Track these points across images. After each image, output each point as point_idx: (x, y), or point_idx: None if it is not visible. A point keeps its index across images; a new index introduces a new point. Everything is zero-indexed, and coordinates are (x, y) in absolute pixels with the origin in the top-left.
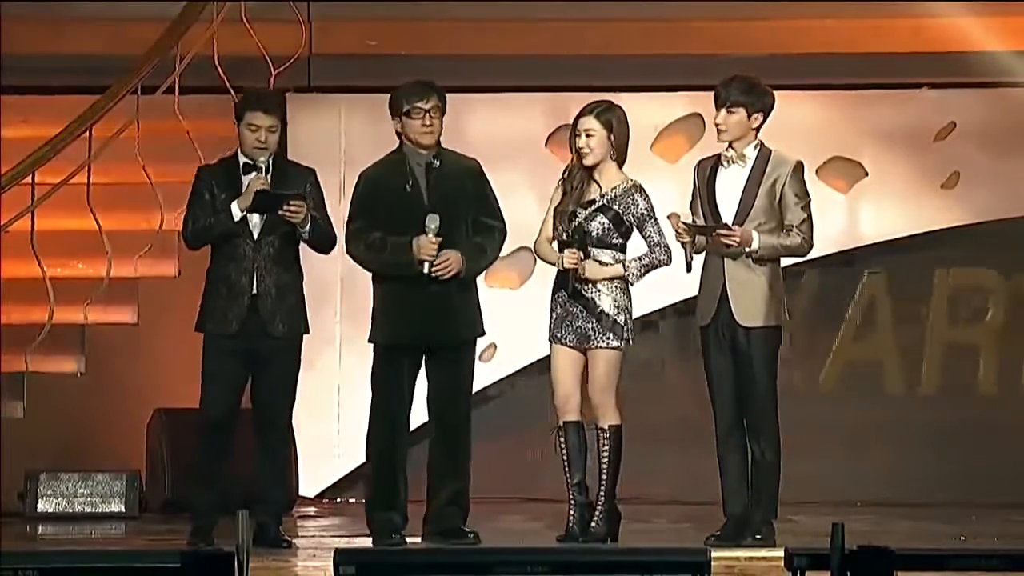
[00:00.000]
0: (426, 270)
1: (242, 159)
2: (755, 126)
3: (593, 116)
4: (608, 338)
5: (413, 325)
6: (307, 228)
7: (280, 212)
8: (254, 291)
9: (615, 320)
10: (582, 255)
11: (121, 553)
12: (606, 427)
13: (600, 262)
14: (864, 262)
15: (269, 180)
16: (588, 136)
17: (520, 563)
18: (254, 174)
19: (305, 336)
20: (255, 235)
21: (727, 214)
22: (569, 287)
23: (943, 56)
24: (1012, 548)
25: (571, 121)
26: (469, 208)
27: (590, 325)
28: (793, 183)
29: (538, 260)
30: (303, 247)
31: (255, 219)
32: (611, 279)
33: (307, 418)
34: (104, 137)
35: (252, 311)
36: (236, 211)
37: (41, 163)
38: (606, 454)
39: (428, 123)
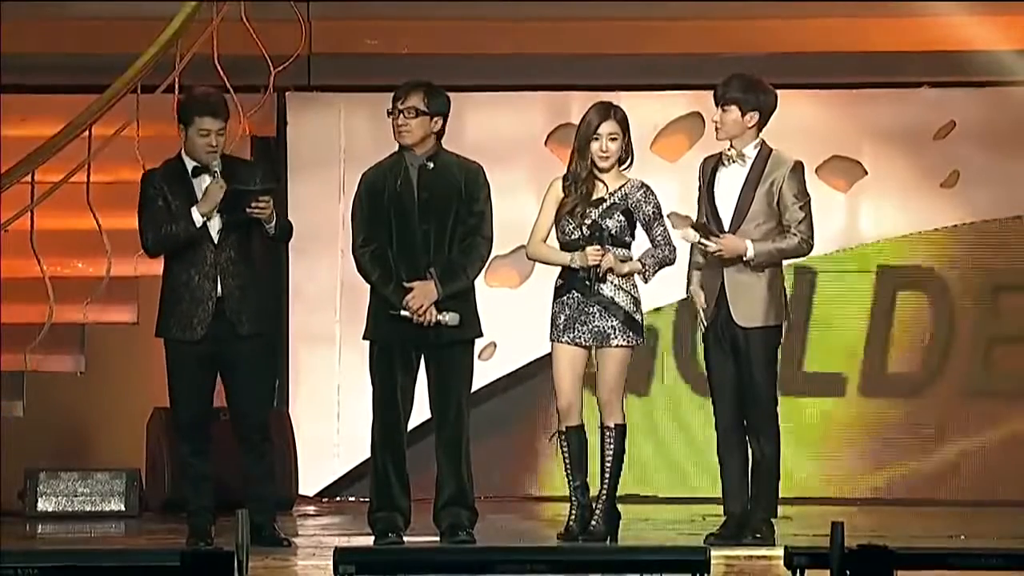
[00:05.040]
0: (403, 313)
1: (190, 163)
2: (751, 125)
3: (615, 121)
4: (629, 336)
5: (403, 324)
6: (273, 223)
7: (248, 209)
8: (219, 294)
9: (634, 317)
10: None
11: (121, 552)
12: (612, 426)
13: (620, 259)
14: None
15: (222, 182)
16: (612, 140)
17: (520, 562)
18: (210, 178)
19: (305, 336)
20: (215, 238)
21: (726, 214)
22: (591, 285)
23: (943, 55)
24: (1012, 547)
25: (571, 120)
26: (459, 213)
27: (609, 323)
28: (791, 183)
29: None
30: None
31: (214, 221)
32: (628, 276)
33: (307, 418)
34: (103, 136)
35: (218, 314)
36: (198, 217)
37: (41, 162)
38: (610, 453)
39: (402, 123)
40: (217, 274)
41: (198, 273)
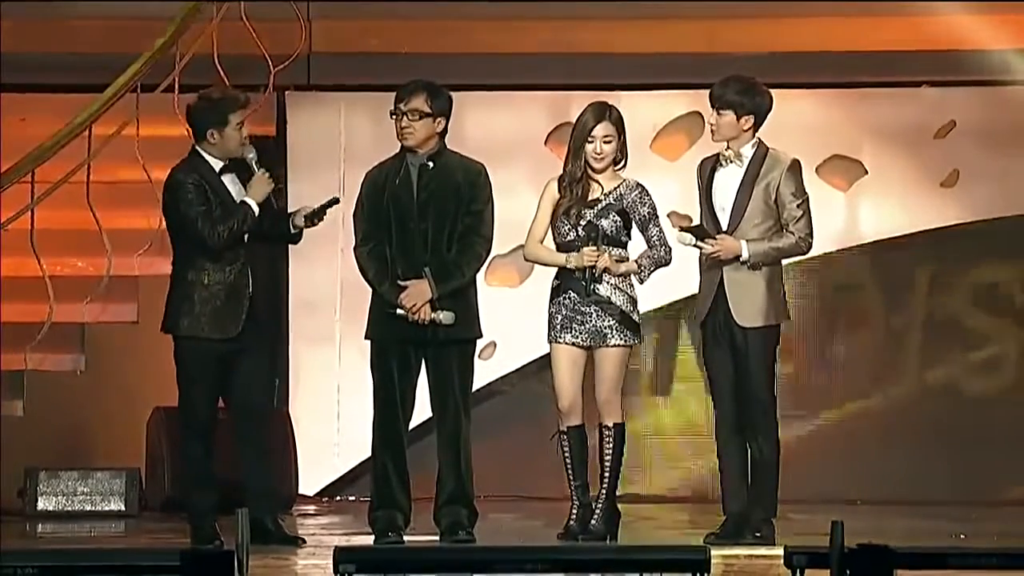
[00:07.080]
0: (399, 312)
1: (215, 163)
2: (746, 127)
3: (610, 122)
4: (626, 336)
5: (402, 323)
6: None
7: (316, 221)
8: (251, 291)
9: (631, 317)
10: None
11: (121, 551)
12: (611, 425)
13: (616, 259)
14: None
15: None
16: (607, 142)
17: (520, 562)
18: (256, 169)
19: (305, 336)
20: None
21: (724, 214)
22: (587, 286)
23: (943, 54)
24: (1012, 547)
25: (571, 120)
26: (458, 212)
27: (606, 323)
28: (788, 182)
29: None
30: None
31: None
32: (624, 276)
33: (307, 417)
34: (104, 135)
35: (251, 310)
36: (255, 206)
37: (41, 162)
38: (609, 453)
39: (406, 124)
40: (249, 271)
41: (235, 271)
